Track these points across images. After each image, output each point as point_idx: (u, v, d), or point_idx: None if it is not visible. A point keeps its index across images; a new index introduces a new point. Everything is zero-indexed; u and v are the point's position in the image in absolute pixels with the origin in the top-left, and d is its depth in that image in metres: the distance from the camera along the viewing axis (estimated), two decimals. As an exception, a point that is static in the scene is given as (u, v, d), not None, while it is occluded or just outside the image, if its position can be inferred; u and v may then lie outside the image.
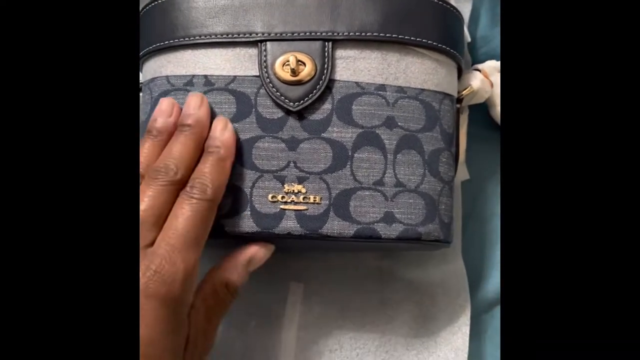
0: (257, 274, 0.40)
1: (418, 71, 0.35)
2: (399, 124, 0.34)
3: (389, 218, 0.34)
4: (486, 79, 0.39)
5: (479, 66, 0.40)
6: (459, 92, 0.38)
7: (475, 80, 0.39)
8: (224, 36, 0.34)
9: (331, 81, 0.34)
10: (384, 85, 0.34)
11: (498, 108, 0.41)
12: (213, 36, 0.34)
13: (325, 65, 0.34)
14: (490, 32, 0.43)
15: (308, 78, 0.33)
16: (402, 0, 0.34)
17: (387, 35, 0.34)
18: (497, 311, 0.42)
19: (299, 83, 0.33)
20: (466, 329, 0.40)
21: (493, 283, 0.42)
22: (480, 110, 0.43)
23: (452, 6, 0.36)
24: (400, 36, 0.34)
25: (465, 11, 0.42)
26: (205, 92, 0.34)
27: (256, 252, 0.34)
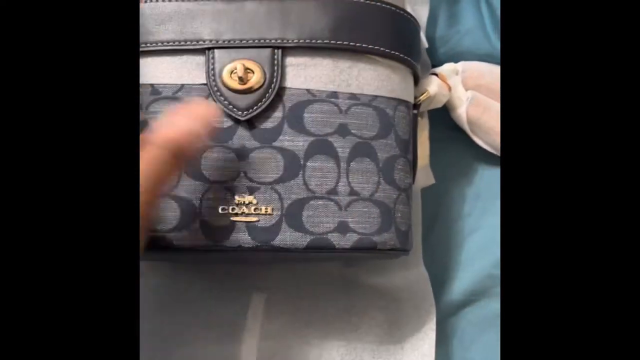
0: (217, 284, 0.41)
1: (371, 78, 0.34)
2: (352, 131, 0.33)
3: (342, 228, 0.33)
4: (444, 83, 0.39)
5: (437, 70, 0.40)
6: (415, 98, 0.38)
7: (432, 85, 0.38)
8: (171, 44, 0.33)
9: (281, 89, 0.33)
10: (336, 92, 0.33)
11: (458, 110, 0.40)
12: (160, 44, 0.33)
13: (275, 73, 0.33)
14: (448, 31, 0.43)
15: (257, 86, 0.32)
16: (353, 6, 0.33)
17: (339, 42, 0.33)
18: (464, 313, 0.42)
19: (248, 91, 0.32)
20: (432, 334, 0.40)
21: (459, 285, 0.42)
22: (441, 111, 0.42)
23: (405, 12, 0.36)
24: (351, 43, 0.33)
25: (423, 14, 0.41)
26: (151, 102, 0.33)
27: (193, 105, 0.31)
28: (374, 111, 0.34)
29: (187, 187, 0.32)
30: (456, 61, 0.42)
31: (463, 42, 0.43)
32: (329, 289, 0.42)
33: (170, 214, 0.32)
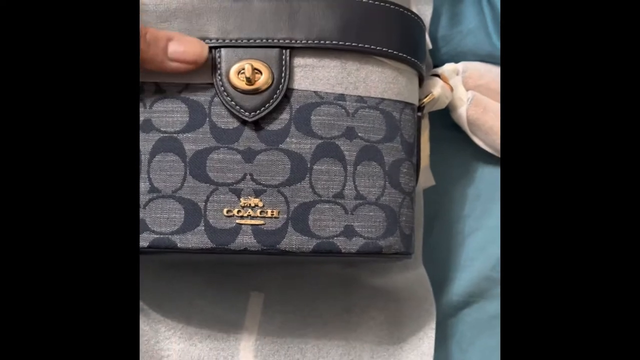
0: (215, 283, 0.40)
1: (378, 80, 0.34)
2: (359, 134, 0.33)
3: (349, 232, 0.33)
4: (446, 85, 0.38)
5: (438, 71, 0.40)
6: (420, 100, 0.38)
7: (436, 87, 0.38)
8: None
9: (289, 90, 0.32)
10: (343, 94, 0.33)
11: (459, 111, 0.40)
12: None
13: (283, 74, 0.32)
14: (450, 31, 0.43)
15: (265, 87, 0.32)
16: (362, 7, 0.33)
17: (347, 43, 0.33)
18: (463, 315, 0.42)
19: (255, 92, 0.32)
20: (432, 334, 0.40)
21: (459, 286, 0.42)
22: (441, 111, 0.42)
23: (413, 13, 0.35)
24: (360, 44, 0.33)
25: (427, 14, 0.41)
26: (154, 101, 0.32)
27: (186, 38, 0.32)
28: (380, 114, 0.34)
29: (192, 189, 0.32)
30: (457, 61, 0.41)
31: (465, 43, 0.43)
32: (328, 289, 0.41)
33: (175, 215, 0.32)
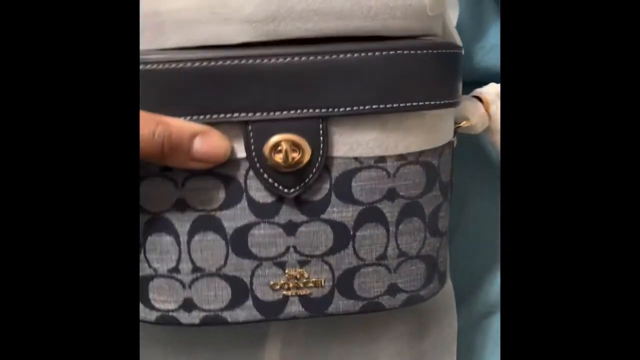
0: None
1: (417, 133, 0.32)
2: (401, 194, 0.32)
3: (393, 290, 0.33)
4: (485, 113, 0.36)
5: (480, 93, 0.37)
6: (455, 123, 0.36)
7: (475, 115, 0.36)
8: (201, 117, 0.29)
9: (328, 159, 0.31)
10: (383, 156, 0.31)
11: (496, 136, 0.39)
12: (186, 118, 0.29)
13: (321, 145, 0.30)
14: (472, 47, 0.41)
15: (304, 162, 0.30)
16: (404, 59, 0.30)
17: (387, 105, 0.30)
18: (486, 325, 0.43)
19: (293, 167, 0.30)
20: (453, 347, 0.40)
21: (481, 297, 0.43)
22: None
23: (449, 46, 0.32)
24: (401, 104, 0.30)
25: (453, 20, 0.37)
26: (186, 178, 0.31)
27: (211, 132, 0.30)
28: (420, 167, 0.32)
29: (236, 266, 0.32)
30: (479, 78, 0.39)
31: (488, 58, 0.40)
32: None
33: (222, 293, 0.32)
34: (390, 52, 0.29)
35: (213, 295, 0.32)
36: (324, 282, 0.32)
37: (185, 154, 0.29)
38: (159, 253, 0.32)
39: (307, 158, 0.30)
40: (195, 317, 0.32)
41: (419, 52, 0.30)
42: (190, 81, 0.29)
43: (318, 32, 0.29)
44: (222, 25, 0.29)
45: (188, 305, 0.32)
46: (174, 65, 0.29)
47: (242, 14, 0.28)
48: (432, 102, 0.31)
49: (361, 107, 0.30)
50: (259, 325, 0.40)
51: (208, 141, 0.29)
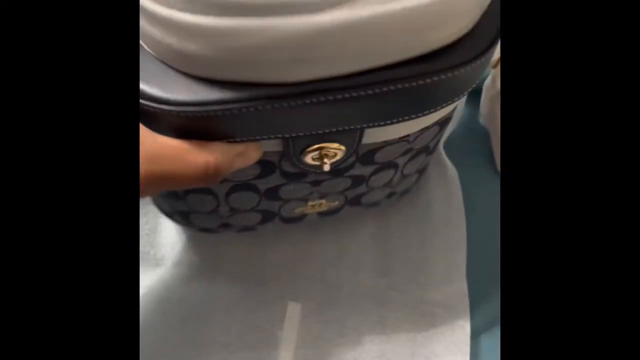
0: (251, 293, 0.42)
1: (439, 113, 0.32)
2: (415, 148, 0.36)
3: (390, 195, 0.41)
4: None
5: None
6: None
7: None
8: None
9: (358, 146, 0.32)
10: (408, 135, 0.33)
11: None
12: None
13: (355, 145, 0.32)
14: None
15: (339, 159, 0.32)
16: (428, 87, 0.27)
17: (412, 116, 0.30)
18: (496, 330, 0.42)
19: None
20: (467, 349, 0.40)
21: (496, 301, 0.42)
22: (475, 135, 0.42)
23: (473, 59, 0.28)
24: (425, 112, 0.30)
25: None
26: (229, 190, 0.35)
27: (248, 150, 0.30)
28: (438, 126, 0.35)
29: (267, 205, 0.37)
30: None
31: None
32: (362, 300, 0.42)
33: (254, 218, 0.39)
34: (420, 82, 0.27)
35: (247, 219, 0.38)
36: (338, 202, 0.39)
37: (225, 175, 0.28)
38: (199, 204, 0.36)
39: (340, 156, 0.32)
40: (232, 231, 0.40)
41: (442, 76, 0.27)
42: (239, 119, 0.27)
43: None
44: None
45: (226, 225, 0.39)
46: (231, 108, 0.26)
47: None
48: (454, 100, 0.30)
49: (391, 120, 0.29)
50: (272, 327, 0.41)
51: (246, 159, 0.29)
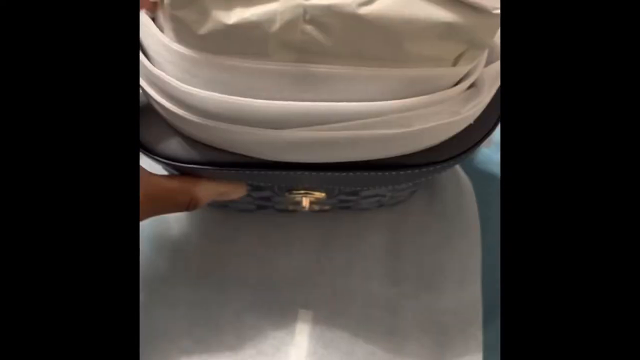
0: (263, 300, 0.42)
1: None
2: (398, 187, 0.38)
3: (380, 205, 0.43)
4: None
5: None
6: None
7: None
8: None
9: None
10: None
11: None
12: None
13: (336, 192, 0.36)
14: None
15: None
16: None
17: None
18: None
19: None
20: (478, 358, 0.40)
21: None
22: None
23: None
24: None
25: None
26: None
27: (231, 190, 0.33)
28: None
29: (260, 194, 0.38)
30: None
31: None
32: (372, 309, 0.42)
33: (249, 204, 0.41)
34: (400, 172, 0.30)
35: (243, 205, 0.42)
36: (328, 207, 0.41)
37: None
38: None
39: (323, 197, 0.36)
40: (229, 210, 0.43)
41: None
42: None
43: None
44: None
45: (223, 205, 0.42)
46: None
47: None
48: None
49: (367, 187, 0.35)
50: (283, 334, 0.41)
51: (229, 197, 0.33)
